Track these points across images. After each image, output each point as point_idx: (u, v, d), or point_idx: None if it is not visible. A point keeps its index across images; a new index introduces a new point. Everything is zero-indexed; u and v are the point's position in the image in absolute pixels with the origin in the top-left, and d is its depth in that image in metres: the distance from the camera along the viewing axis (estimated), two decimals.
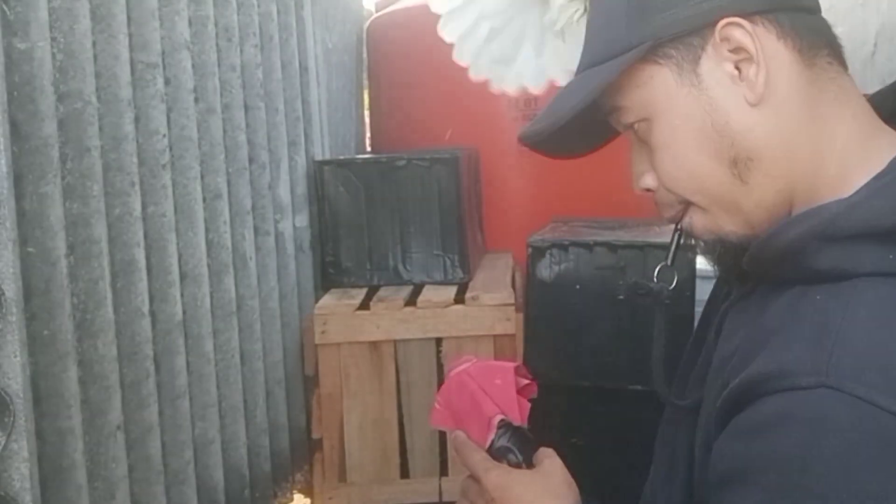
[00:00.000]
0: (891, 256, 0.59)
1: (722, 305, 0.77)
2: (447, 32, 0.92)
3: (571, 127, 0.72)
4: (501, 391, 0.86)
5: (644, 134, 0.71)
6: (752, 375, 0.59)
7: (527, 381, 0.88)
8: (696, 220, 0.72)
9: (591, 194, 2.19)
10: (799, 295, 0.63)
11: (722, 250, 0.71)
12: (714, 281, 0.85)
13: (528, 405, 0.87)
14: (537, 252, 1.73)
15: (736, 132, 0.66)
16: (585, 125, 0.73)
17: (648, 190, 0.74)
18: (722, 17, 0.64)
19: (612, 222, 1.91)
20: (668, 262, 0.85)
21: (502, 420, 0.83)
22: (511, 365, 0.88)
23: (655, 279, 0.87)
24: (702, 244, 0.73)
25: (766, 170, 0.67)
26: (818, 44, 0.65)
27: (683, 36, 0.66)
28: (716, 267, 0.74)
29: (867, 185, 0.63)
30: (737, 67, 0.65)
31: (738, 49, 0.65)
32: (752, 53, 0.64)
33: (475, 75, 0.95)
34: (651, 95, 0.69)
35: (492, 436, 0.83)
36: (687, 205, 0.72)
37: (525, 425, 0.85)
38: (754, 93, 0.65)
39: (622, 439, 1.60)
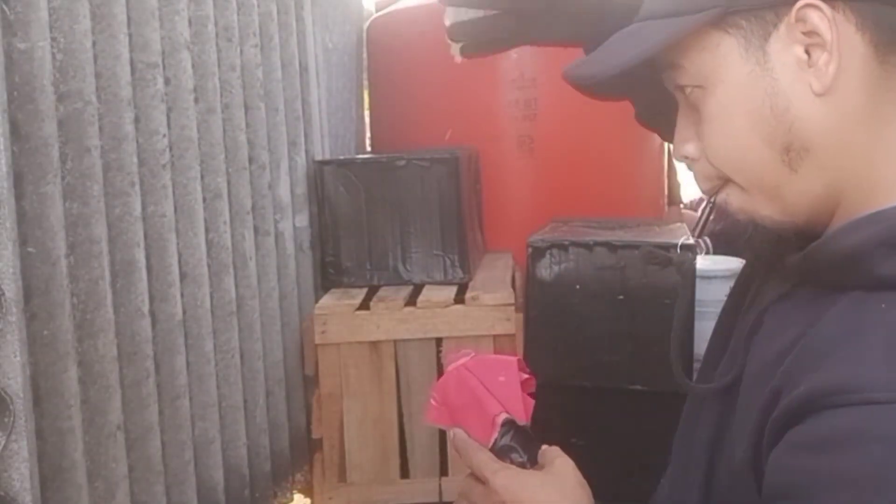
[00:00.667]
0: None
1: (754, 298, 0.75)
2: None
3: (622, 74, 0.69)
4: (505, 388, 0.82)
5: (696, 100, 0.69)
6: (818, 385, 0.56)
7: (526, 376, 0.85)
8: (732, 199, 0.70)
9: (591, 194, 2.19)
10: (858, 302, 0.60)
11: (754, 233, 0.70)
12: (738, 272, 0.83)
13: (532, 402, 0.83)
14: (537, 252, 1.73)
15: (795, 119, 0.63)
16: (635, 72, 0.69)
17: (687, 158, 0.72)
18: None
19: (612, 222, 1.91)
20: (696, 234, 0.82)
21: (507, 419, 0.80)
22: (514, 359, 0.85)
23: (679, 250, 0.85)
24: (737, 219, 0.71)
25: (820, 162, 0.64)
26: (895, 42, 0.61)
27: (758, 9, 0.63)
28: (747, 251, 0.73)
29: None
30: (807, 52, 0.62)
31: (811, 33, 0.61)
32: (827, 40, 0.61)
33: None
34: (712, 63, 0.66)
35: (495, 434, 0.80)
36: (726, 181, 0.69)
37: (528, 424, 0.82)
38: (821, 82, 0.62)
39: (622, 439, 1.60)
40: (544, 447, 0.81)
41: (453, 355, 0.88)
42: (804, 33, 0.62)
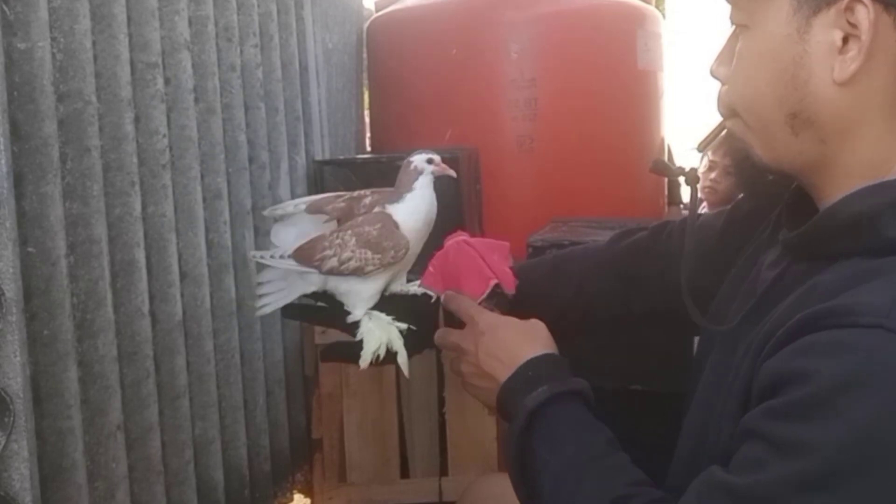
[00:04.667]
0: None
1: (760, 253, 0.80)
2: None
3: None
4: (498, 263, 0.97)
5: (740, 35, 0.73)
6: (818, 310, 0.61)
7: (512, 265, 1.00)
8: (736, 128, 0.75)
9: (591, 194, 2.19)
10: (859, 263, 0.64)
11: (744, 159, 0.75)
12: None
13: (515, 280, 0.98)
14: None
15: (809, 94, 0.67)
16: None
17: (717, 78, 0.76)
18: None
19: (612, 222, 1.91)
20: (702, 148, 0.89)
21: (496, 284, 0.94)
22: (506, 244, 1.01)
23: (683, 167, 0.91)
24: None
25: (821, 136, 0.69)
26: None
27: None
28: (737, 173, 0.79)
29: None
30: (844, 40, 0.65)
31: (854, 25, 0.64)
32: (862, 37, 0.64)
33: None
34: (762, 11, 0.70)
35: (486, 293, 0.93)
36: (736, 112, 0.74)
37: (512, 294, 0.97)
38: (842, 72, 0.65)
39: (622, 439, 1.60)
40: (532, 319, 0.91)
41: (450, 236, 1.02)
42: (849, 22, 0.64)
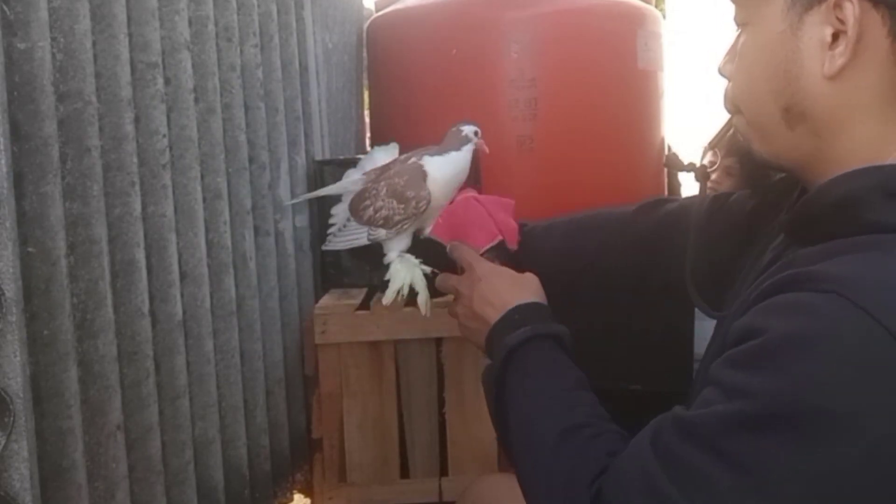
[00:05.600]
0: None
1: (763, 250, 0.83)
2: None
3: None
4: (504, 220, 1.04)
5: (742, 33, 0.76)
6: (783, 276, 0.64)
7: (517, 224, 1.07)
8: (739, 124, 0.79)
9: (592, 194, 2.19)
10: (838, 245, 0.66)
11: (747, 156, 0.78)
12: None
13: (518, 238, 1.06)
14: None
15: (801, 88, 0.70)
16: None
17: (724, 75, 0.79)
18: None
19: None
20: (713, 146, 0.97)
21: (500, 238, 1.02)
22: (512, 202, 1.07)
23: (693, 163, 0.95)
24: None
25: (815, 130, 0.71)
26: None
27: None
28: (741, 170, 0.85)
29: None
30: (834, 36, 0.67)
31: (842, 21, 0.66)
32: (848, 33, 0.65)
33: None
34: (760, 8, 0.72)
35: (490, 244, 1.00)
36: (739, 110, 0.78)
37: (515, 248, 1.04)
38: (831, 67, 0.67)
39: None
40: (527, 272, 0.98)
41: (462, 192, 1.08)
42: (838, 19, 0.66)
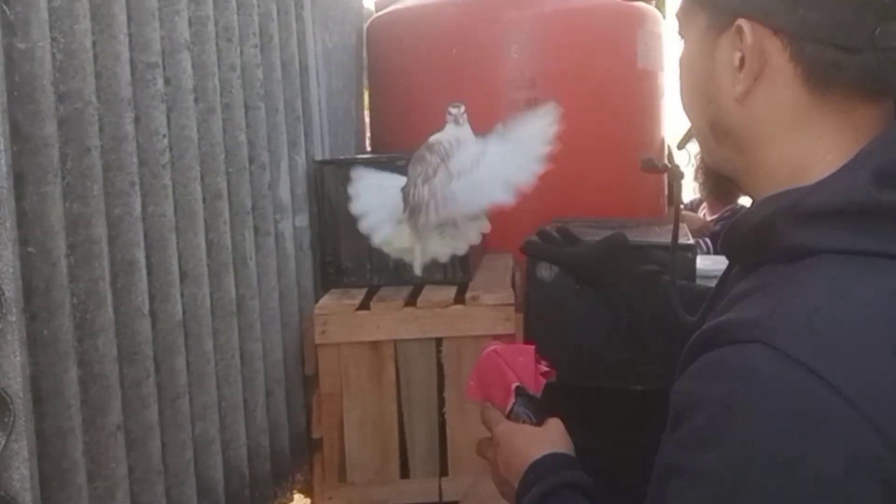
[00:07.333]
0: (849, 235, 0.63)
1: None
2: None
3: None
4: (522, 366, 1.02)
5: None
6: (707, 329, 0.65)
7: (547, 369, 1.06)
8: (693, 132, 0.81)
9: (591, 194, 2.19)
10: (767, 271, 0.68)
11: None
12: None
13: (543, 380, 1.03)
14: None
15: (719, 107, 0.73)
16: None
17: None
18: (747, 16, 0.68)
19: (612, 222, 1.91)
20: (680, 146, 0.96)
21: (519, 388, 0.99)
22: (531, 347, 1.07)
23: (668, 162, 0.97)
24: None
25: (738, 146, 0.73)
26: (837, 81, 0.66)
27: (722, 6, 0.70)
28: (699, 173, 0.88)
29: (832, 174, 0.67)
30: (743, 60, 0.69)
31: (743, 48, 0.68)
32: (746, 59, 0.68)
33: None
34: (688, 27, 0.76)
35: (511, 401, 0.98)
36: None
37: (538, 395, 1.01)
38: (736, 90, 0.70)
39: (622, 439, 1.60)
40: (550, 418, 0.97)
41: (487, 344, 1.09)
42: (741, 44, 0.69)
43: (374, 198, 1.18)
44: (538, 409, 0.99)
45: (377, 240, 1.17)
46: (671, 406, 0.66)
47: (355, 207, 1.16)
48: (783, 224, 0.66)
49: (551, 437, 0.92)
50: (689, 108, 0.78)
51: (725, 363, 0.61)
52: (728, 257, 0.79)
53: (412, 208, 1.12)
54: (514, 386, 0.99)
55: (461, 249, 1.16)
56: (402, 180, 1.15)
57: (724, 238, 0.76)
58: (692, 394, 0.63)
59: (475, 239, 1.16)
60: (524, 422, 0.96)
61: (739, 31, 0.68)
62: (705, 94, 0.74)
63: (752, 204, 0.72)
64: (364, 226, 1.16)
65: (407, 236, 1.15)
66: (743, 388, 0.58)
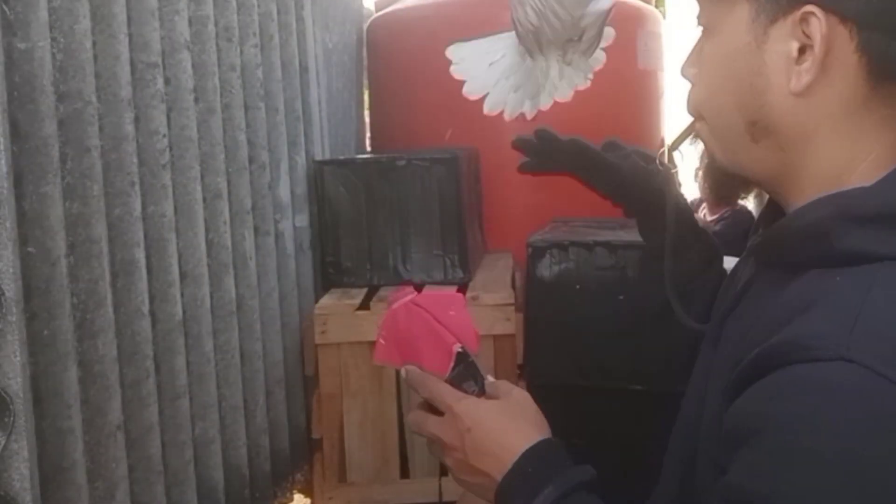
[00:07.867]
0: None
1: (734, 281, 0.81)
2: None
3: None
4: (457, 321, 0.85)
5: (704, 38, 0.73)
6: (774, 345, 0.60)
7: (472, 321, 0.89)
8: (702, 132, 0.76)
9: (591, 194, 2.18)
10: (819, 277, 0.64)
11: (712, 160, 0.77)
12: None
13: (478, 333, 0.87)
14: (537, 252, 1.73)
15: (767, 102, 0.67)
16: None
17: (687, 79, 0.77)
18: (816, 2, 0.63)
19: (612, 222, 1.91)
20: (674, 147, 0.92)
21: (461, 349, 0.83)
22: (459, 295, 0.88)
23: (658, 164, 0.95)
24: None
25: (781, 144, 0.69)
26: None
27: None
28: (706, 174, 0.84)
29: (889, 174, 0.64)
30: (801, 50, 0.65)
31: (808, 36, 0.64)
32: (815, 49, 0.64)
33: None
34: (723, 16, 0.70)
35: (451, 366, 0.82)
36: (702, 117, 0.75)
37: (478, 355, 0.85)
38: (798, 83, 0.65)
39: (622, 439, 1.60)
40: (493, 380, 0.84)
41: (396, 293, 0.91)
42: (805, 33, 0.64)
43: (484, 70, 1.10)
44: (477, 372, 0.83)
45: (509, 112, 1.10)
46: (730, 427, 0.62)
47: (470, 89, 1.09)
48: (839, 227, 0.63)
49: (528, 415, 0.80)
50: (718, 106, 0.72)
51: (806, 382, 0.57)
52: (760, 258, 0.74)
53: (532, 33, 1.04)
54: (455, 349, 0.82)
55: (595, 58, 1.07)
56: (500, 39, 1.08)
57: (762, 239, 0.72)
58: (763, 413, 0.59)
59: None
60: (466, 390, 0.82)
61: (805, 18, 0.63)
62: (750, 89, 0.68)
63: (802, 206, 0.68)
64: (489, 104, 1.09)
65: (538, 71, 1.06)
66: (829, 407, 0.56)
